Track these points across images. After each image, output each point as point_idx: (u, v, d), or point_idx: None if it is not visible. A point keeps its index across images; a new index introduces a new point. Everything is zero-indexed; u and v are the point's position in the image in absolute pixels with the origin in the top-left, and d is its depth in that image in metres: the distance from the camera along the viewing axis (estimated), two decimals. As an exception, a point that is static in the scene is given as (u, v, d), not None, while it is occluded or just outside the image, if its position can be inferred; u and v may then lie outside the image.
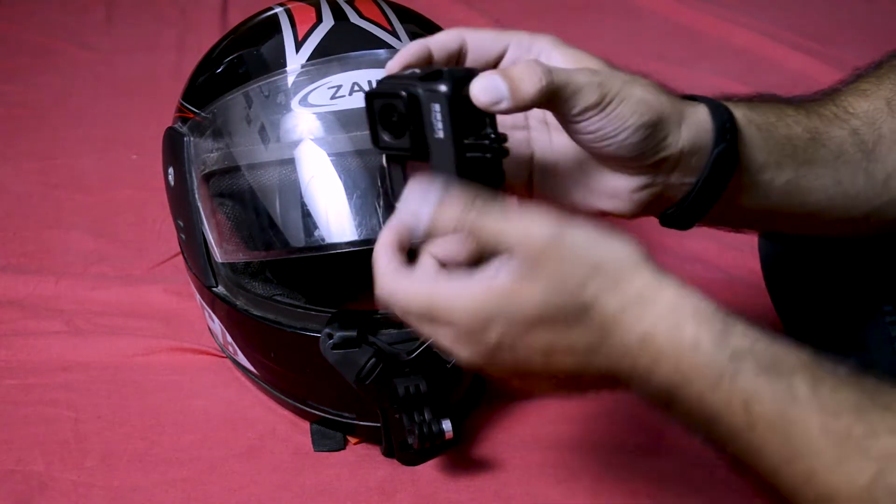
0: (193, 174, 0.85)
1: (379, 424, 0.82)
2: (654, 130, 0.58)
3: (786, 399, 0.48)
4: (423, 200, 0.53)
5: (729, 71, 1.57)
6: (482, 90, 0.54)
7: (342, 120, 0.79)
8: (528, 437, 0.86)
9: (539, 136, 0.64)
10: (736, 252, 1.10)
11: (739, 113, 0.62)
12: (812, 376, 0.49)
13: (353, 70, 0.80)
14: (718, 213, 0.63)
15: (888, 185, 0.66)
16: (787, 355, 0.50)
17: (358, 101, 0.78)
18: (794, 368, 0.49)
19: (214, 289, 0.87)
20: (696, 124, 0.59)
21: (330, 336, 0.78)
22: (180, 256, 0.98)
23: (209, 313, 0.91)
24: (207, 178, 0.84)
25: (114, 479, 0.83)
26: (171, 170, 0.88)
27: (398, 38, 0.84)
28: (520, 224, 0.52)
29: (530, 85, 0.54)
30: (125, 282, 1.07)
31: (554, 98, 0.55)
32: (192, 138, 0.86)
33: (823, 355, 0.50)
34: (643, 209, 0.62)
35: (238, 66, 0.86)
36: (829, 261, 0.81)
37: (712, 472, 0.80)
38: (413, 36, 0.84)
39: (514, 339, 0.52)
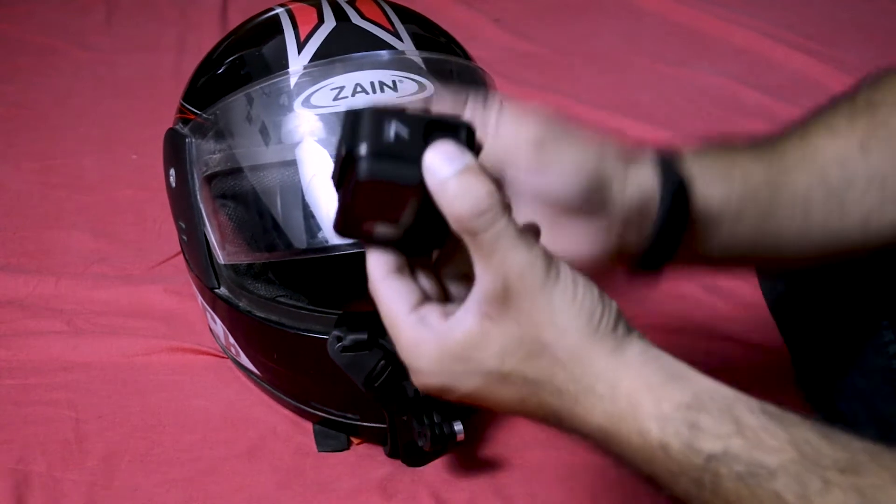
0: (195, 175, 0.85)
1: (382, 426, 0.81)
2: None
3: None
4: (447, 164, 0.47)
5: (729, 71, 1.57)
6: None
7: (345, 121, 0.79)
8: (529, 437, 0.87)
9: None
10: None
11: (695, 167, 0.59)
12: (796, 479, 0.46)
13: (355, 71, 0.80)
14: (686, 264, 0.61)
15: (866, 228, 0.64)
16: (764, 452, 0.46)
17: (360, 103, 0.78)
18: (776, 472, 0.46)
19: (216, 290, 0.87)
20: (639, 189, 0.57)
21: (339, 339, 0.76)
22: (181, 256, 0.98)
23: (211, 314, 0.91)
24: (209, 179, 0.84)
25: (115, 479, 0.83)
26: (172, 171, 0.88)
27: (400, 38, 0.83)
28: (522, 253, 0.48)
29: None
30: (125, 282, 1.07)
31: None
32: (193, 139, 0.85)
33: (804, 434, 0.47)
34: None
35: (239, 67, 0.86)
36: (828, 277, 0.80)
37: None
38: (414, 36, 0.84)
39: (481, 397, 0.51)
